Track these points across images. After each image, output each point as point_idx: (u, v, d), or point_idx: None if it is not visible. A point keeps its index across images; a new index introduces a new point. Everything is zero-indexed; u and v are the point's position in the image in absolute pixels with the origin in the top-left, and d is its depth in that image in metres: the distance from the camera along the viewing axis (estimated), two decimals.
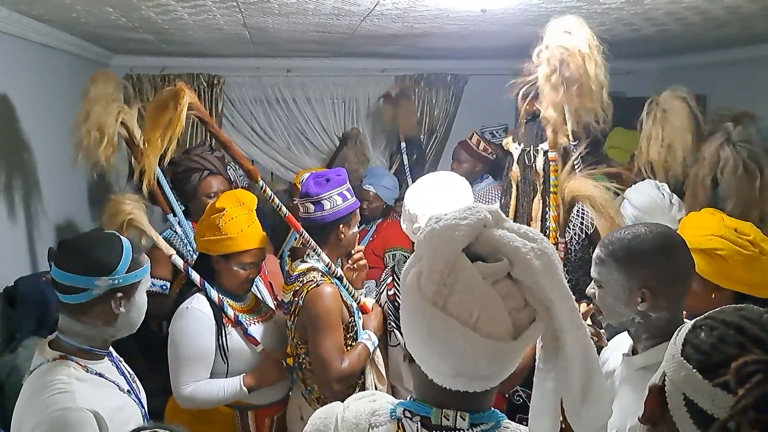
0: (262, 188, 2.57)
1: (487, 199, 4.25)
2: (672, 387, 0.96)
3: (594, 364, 1.14)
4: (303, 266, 2.53)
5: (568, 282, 2.51)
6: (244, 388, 2.50)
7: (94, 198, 4.12)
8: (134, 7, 2.86)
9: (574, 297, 1.15)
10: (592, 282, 1.83)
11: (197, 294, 2.55)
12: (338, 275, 2.57)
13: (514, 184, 2.70)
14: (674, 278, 1.69)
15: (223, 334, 2.52)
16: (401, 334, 1.26)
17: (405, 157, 5.02)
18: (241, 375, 2.53)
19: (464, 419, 1.14)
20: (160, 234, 2.90)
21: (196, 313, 2.50)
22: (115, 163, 2.90)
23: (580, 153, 2.54)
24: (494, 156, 4.43)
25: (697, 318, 1.01)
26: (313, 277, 2.46)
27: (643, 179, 3.09)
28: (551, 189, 2.43)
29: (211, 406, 2.53)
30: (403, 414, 1.19)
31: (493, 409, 1.21)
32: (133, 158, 2.99)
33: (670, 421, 0.95)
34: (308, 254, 2.57)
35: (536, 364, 1.16)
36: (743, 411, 0.82)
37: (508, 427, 1.19)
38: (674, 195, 3.18)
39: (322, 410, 1.31)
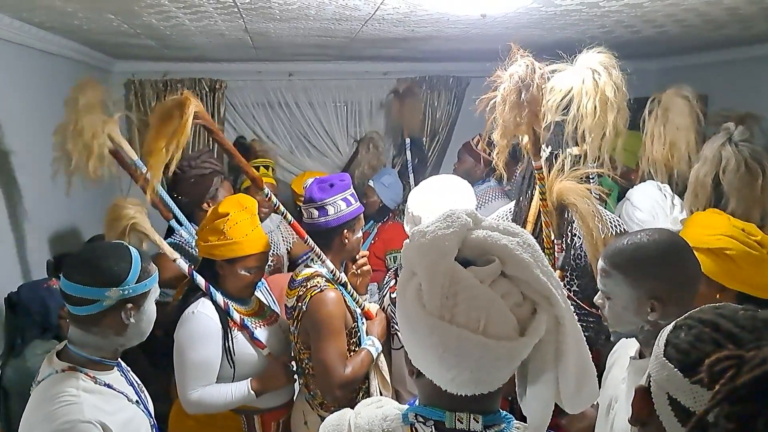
0: (267, 196, 2.57)
1: (483, 201, 4.26)
2: (656, 387, 0.99)
3: (585, 345, 1.18)
4: (307, 271, 2.53)
5: (576, 287, 2.52)
6: (252, 392, 2.50)
7: (97, 205, 4.12)
8: (135, 13, 2.87)
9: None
10: (599, 292, 1.84)
11: (202, 298, 2.54)
12: (342, 281, 2.57)
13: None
14: (682, 285, 1.69)
15: (230, 338, 2.51)
16: None
17: (408, 153, 5.04)
18: (249, 379, 2.52)
19: (478, 421, 1.16)
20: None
21: (202, 317, 2.49)
22: (106, 173, 2.86)
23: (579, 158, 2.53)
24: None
25: (678, 318, 1.04)
26: (317, 282, 2.45)
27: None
28: (539, 196, 2.43)
29: (219, 411, 2.52)
30: (416, 419, 1.20)
31: (501, 410, 1.22)
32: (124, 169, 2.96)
33: (658, 420, 0.98)
34: (312, 259, 2.57)
35: (530, 355, 1.16)
36: (719, 404, 0.84)
37: (519, 428, 1.21)
38: (676, 196, 3.18)
39: (334, 417, 1.31)
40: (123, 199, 2.78)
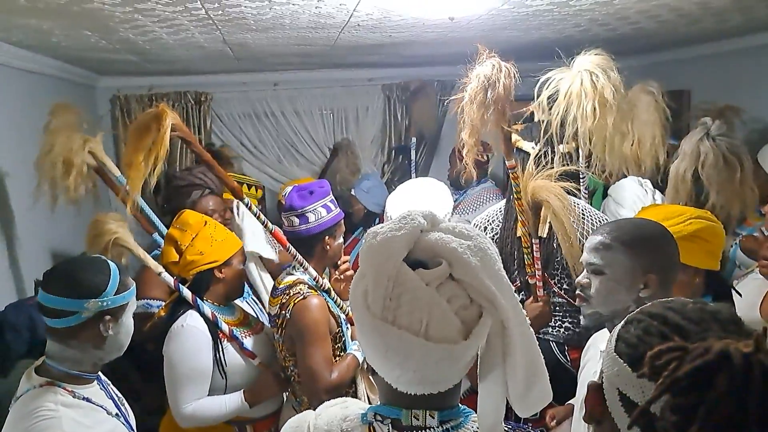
0: (247, 205, 2.59)
1: (479, 203, 4.26)
2: (608, 383, 0.99)
3: (535, 348, 1.17)
4: (289, 279, 2.54)
5: (567, 285, 2.53)
6: (245, 403, 2.50)
7: (84, 225, 4.12)
8: (111, 29, 2.89)
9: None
10: (584, 272, 1.85)
11: (189, 311, 2.53)
12: (326, 288, 2.58)
13: None
14: (671, 267, 1.75)
15: (220, 350, 2.51)
16: None
17: (413, 152, 5.12)
18: (242, 390, 2.53)
19: (433, 417, 1.18)
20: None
21: (193, 330, 2.48)
22: (87, 190, 2.89)
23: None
24: (486, 158, 4.44)
25: (630, 314, 1.03)
26: (300, 289, 2.46)
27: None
28: (514, 195, 2.45)
29: (213, 424, 2.52)
30: (374, 418, 1.21)
31: (460, 405, 1.24)
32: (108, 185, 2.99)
33: (610, 417, 0.97)
34: (294, 266, 2.58)
35: (480, 354, 1.18)
36: (661, 396, 0.84)
37: (476, 421, 1.22)
38: (657, 191, 3.21)
39: (294, 419, 1.33)
40: (104, 215, 2.78)
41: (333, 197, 2.67)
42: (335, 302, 2.60)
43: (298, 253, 2.54)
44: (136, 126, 2.41)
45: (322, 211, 2.57)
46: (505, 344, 1.16)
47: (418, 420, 1.17)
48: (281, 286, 2.54)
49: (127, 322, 1.91)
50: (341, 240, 2.69)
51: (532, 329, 1.18)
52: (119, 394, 2.04)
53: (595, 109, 2.23)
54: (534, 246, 2.46)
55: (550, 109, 2.32)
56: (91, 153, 2.83)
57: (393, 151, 5.43)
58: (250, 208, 2.59)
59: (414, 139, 5.15)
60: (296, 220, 2.56)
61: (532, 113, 2.55)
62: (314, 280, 2.54)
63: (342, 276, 2.73)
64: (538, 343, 1.19)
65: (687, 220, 2.05)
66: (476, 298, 1.14)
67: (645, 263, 1.72)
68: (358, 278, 1.19)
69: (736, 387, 0.80)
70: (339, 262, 2.75)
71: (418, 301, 1.10)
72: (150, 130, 2.35)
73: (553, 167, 2.51)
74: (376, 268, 1.13)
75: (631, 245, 1.74)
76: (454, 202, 4.01)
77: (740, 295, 2.19)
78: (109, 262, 1.89)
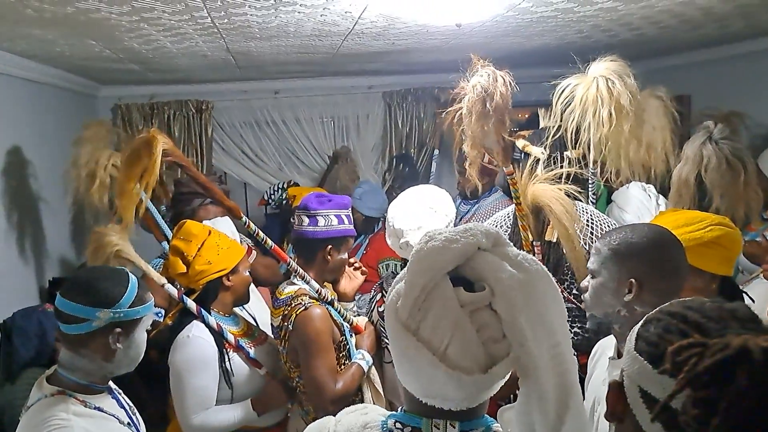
0: (245, 224, 2.59)
1: (492, 214, 4.22)
2: (629, 381, 1.00)
3: (572, 402, 1.10)
4: (290, 289, 2.52)
5: (576, 290, 2.53)
6: (253, 412, 2.49)
7: (85, 231, 4.12)
8: (116, 38, 2.90)
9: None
10: (588, 276, 1.87)
11: (195, 321, 2.52)
12: (328, 300, 2.57)
13: None
14: (664, 273, 1.73)
15: (227, 360, 2.50)
16: None
17: (434, 164, 5.17)
18: (249, 399, 2.52)
19: (454, 427, 1.15)
20: (150, 262, 2.90)
21: (199, 341, 2.47)
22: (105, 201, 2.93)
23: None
24: (497, 167, 4.42)
25: (649, 313, 1.05)
26: (302, 300, 2.44)
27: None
28: (514, 200, 2.45)
29: None
30: (395, 426, 1.20)
31: (484, 414, 1.21)
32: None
33: (632, 414, 0.99)
34: (294, 276, 2.58)
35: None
36: (682, 390, 0.86)
37: (498, 430, 1.20)
38: (661, 196, 3.21)
39: (314, 425, 1.32)
40: (105, 227, 2.77)
41: (350, 215, 2.67)
42: (338, 312, 2.59)
43: (299, 267, 2.54)
44: (128, 153, 2.40)
45: (334, 220, 2.56)
46: (531, 390, 1.11)
47: (438, 429, 1.15)
48: (282, 297, 2.52)
49: (139, 337, 1.89)
50: (344, 256, 2.67)
51: (573, 379, 1.11)
52: (131, 403, 2.03)
53: (611, 115, 2.23)
54: (535, 250, 2.46)
55: (562, 114, 2.33)
56: (115, 167, 2.86)
57: (394, 159, 5.42)
58: (248, 227, 2.59)
59: (437, 152, 5.19)
60: (306, 220, 2.55)
61: (538, 119, 2.56)
62: (316, 292, 2.53)
63: (354, 274, 2.74)
64: None
65: (708, 226, 2.04)
66: (508, 335, 1.10)
67: (628, 268, 1.73)
68: (399, 278, 1.18)
69: (757, 380, 0.82)
70: (351, 260, 2.75)
71: (445, 320, 1.07)
72: (141, 156, 2.34)
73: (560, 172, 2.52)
74: (414, 275, 1.11)
75: (616, 250, 1.76)
76: (467, 213, 4.00)
77: (753, 300, 2.19)
78: (131, 276, 1.89)
